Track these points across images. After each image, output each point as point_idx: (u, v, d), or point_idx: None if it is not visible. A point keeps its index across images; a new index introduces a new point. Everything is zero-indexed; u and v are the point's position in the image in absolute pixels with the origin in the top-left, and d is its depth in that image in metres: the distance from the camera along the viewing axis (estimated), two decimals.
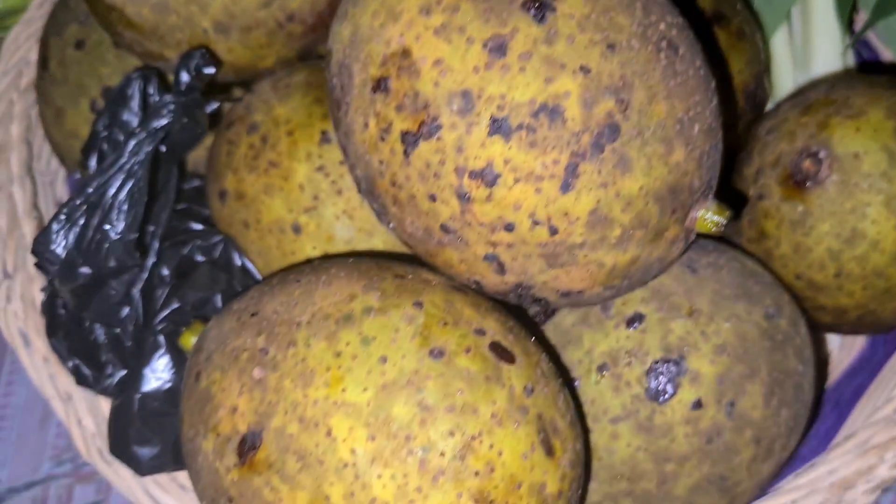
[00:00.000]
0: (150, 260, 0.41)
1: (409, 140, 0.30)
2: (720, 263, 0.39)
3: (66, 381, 0.43)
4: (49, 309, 0.43)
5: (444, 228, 0.32)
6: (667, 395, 0.36)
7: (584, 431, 0.36)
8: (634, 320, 0.37)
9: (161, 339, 0.39)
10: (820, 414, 0.51)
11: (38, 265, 0.39)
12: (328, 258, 0.38)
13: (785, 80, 0.53)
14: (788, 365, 0.38)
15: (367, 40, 0.31)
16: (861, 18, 0.55)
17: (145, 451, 0.40)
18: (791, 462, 0.44)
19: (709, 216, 0.32)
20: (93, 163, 0.42)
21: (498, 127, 0.29)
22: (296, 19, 0.43)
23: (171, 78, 0.44)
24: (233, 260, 0.43)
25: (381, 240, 0.41)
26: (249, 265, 0.43)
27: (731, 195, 0.42)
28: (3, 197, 0.50)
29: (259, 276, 0.43)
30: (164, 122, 0.38)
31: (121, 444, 0.40)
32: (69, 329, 0.42)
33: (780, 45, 0.53)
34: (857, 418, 0.48)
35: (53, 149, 0.53)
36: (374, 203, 0.34)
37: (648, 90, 0.30)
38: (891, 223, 0.39)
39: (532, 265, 0.32)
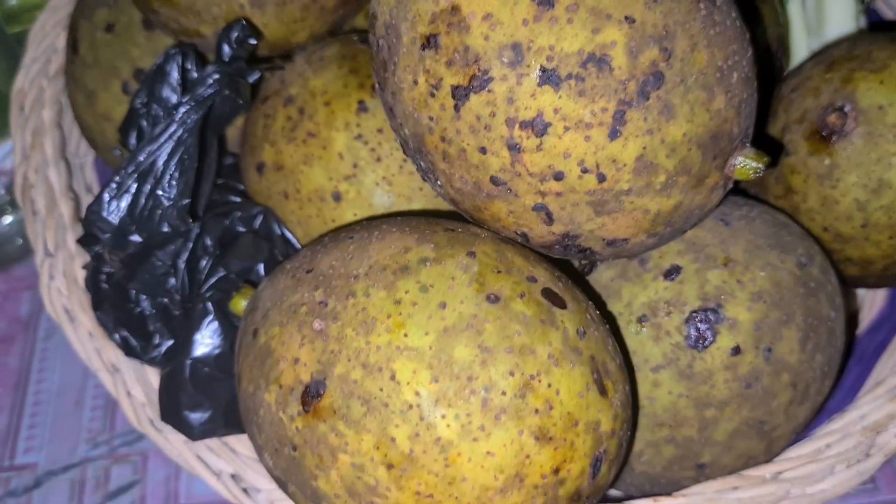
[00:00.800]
0: (195, 231, 0.42)
1: (460, 94, 0.31)
2: (752, 216, 0.40)
3: (113, 354, 0.44)
4: (93, 283, 0.44)
5: (494, 181, 0.33)
6: (706, 343, 0.38)
7: (631, 375, 0.37)
8: (672, 272, 0.38)
9: (209, 305, 0.40)
10: (847, 369, 0.52)
11: (86, 238, 0.40)
12: (379, 217, 0.39)
13: (799, 46, 0.54)
14: (822, 311, 0.39)
15: (414, 0, 0.32)
16: None
17: (197, 416, 0.41)
18: (819, 416, 0.45)
19: (747, 163, 0.33)
20: (132, 139, 0.43)
21: (548, 77, 0.30)
22: None
23: (207, 56, 0.45)
24: (273, 230, 0.44)
25: (421, 204, 0.42)
26: (289, 235, 0.44)
27: (766, 143, 0.43)
28: (40, 179, 0.51)
29: (299, 245, 0.44)
30: (210, 91, 0.39)
31: (172, 410, 0.41)
32: (114, 301, 0.43)
33: (793, 11, 0.54)
34: (882, 370, 0.49)
35: (84, 132, 0.54)
36: (421, 161, 0.35)
37: (690, 39, 0.31)
38: None
39: (580, 214, 0.33)
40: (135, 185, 0.37)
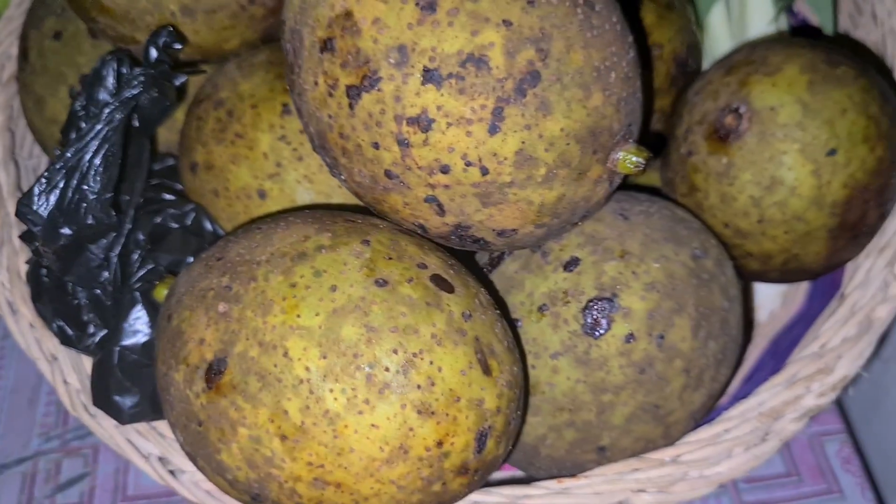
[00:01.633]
0: (127, 226, 0.44)
1: (354, 93, 0.34)
2: (651, 211, 0.42)
3: (52, 344, 0.47)
4: (33, 276, 0.46)
5: (388, 174, 0.35)
6: (601, 330, 0.40)
7: (523, 359, 0.39)
8: (571, 264, 0.41)
9: (137, 295, 0.43)
10: (761, 363, 0.55)
11: (28, 234, 0.42)
12: (289, 210, 0.42)
13: (724, 50, 0.57)
14: (714, 301, 0.41)
15: (314, 6, 0.35)
16: None
17: (126, 401, 0.43)
18: (726, 404, 0.47)
19: (629, 157, 0.36)
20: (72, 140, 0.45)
21: (430, 76, 0.33)
22: (257, 2, 0.47)
23: (142, 61, 0.47)
24: (204, 226, 0.46)
25: (340, 201, 0.45)
26: (220, 230, 0.46)
27: (650, 139, 0.45)
28: None
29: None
30: (134, 91, 0.41)
31: (103, 395, 0.43)
32: (53, 294, 0.45)
33: (717, 17, 0.57)
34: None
35: (35, 136, 0.56)
36: (326, 157, 0.37)
37: (566, 40, 0.33)
38: (806, 169, 0.42)
39: (468, 205, 0.35)
40: (63, 181, 0.39)
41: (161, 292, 0.40)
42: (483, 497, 0.42)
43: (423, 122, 0.33)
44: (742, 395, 0.49)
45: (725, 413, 0.44)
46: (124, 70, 0.45)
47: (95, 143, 0.40)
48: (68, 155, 0.39)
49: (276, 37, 0.50)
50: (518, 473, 0.48)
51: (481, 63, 0.33)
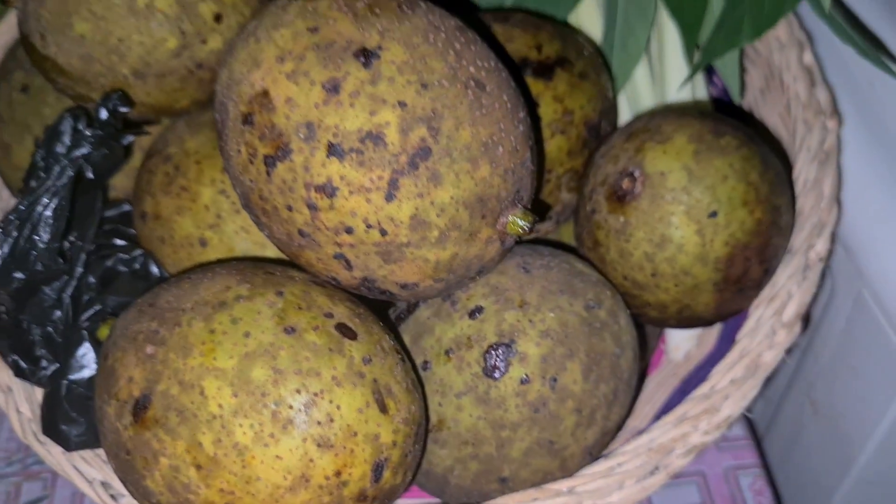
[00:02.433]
0: (79, 269, 0.48)
1: (270, 162, 0.38)
2: (551, 265, 0.47)
3: (6, 375, 0.51)
4: None
5: (301, 233, 0.39)
6: (500, 373, 0.44)
7: (423, 399, 0.43)
8: (475, 312, 0.45)
9: (84, 334, 0.47)
10: (671, 401, 0.59)
11: None
12: (220, 261, 0.46)
13: (647, 107, 0.62)
14: (605, 347, 0.46)
15: (237, 83, 0.39)
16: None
17: (72, 430, 0.47)
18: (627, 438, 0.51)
19: (516, 220, 0.40)
20: None
21: (334, 150, 0.37)
22: (204, 67, 0.51)
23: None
24: (151, 270, 0.50)
25: (273, 251, 0.49)
26: (166, 275, 0.50)
27: (537, 204, 0.50)
28: None
29: None
30: (84, 150, 0.46)
31: (51, 424, 0.47)
32: (9, 330, 0.49)
33: (641, 76, 0.61)
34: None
35: (3, 180, 0.60)
36: (251, 214, 0.42)
37: (456, 119, 0.38)
38: (691, 229, 0.47)
39: (372, 261, 0.39)
40: (16, 231, 0.44)
41: (104, 332, 0.44)
42: None
43: (328, 190, 0.38)
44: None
45: (619, 448, 0.48)
46: (80, 126, 0.50)
47: (46, 197, 0.44)
48: (21, 208, 0.44)
49: None
50: (434, 501, 0.52)
51: (378, 139, 0.37)
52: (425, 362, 0.45)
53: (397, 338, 0.42)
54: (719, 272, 0.48)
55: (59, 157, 0.48)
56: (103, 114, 0.47)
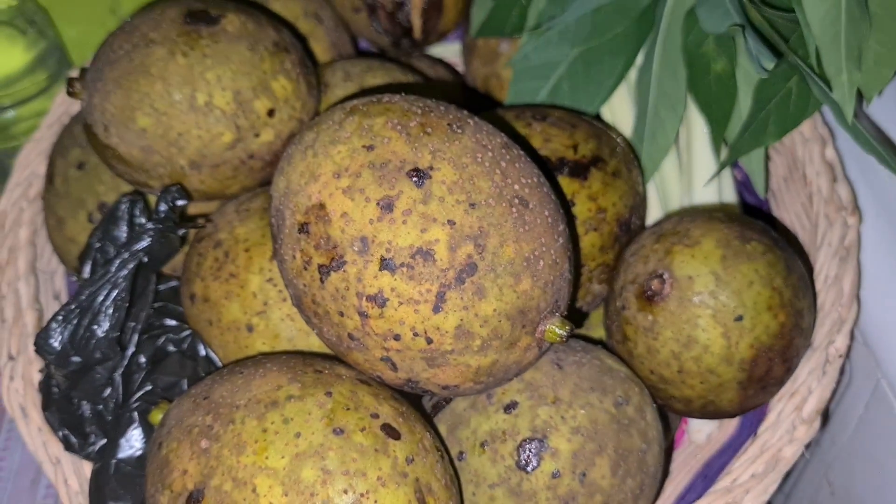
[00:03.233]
0: (130, 350, 0.51)
1: (324, 271, 0.41)
2: (583, 361, 0.49)
3: (56, 448, 0.53)
4: (45, 388, 0.53)
5: (351, 337, 0.42)
6: (532, 467, 0.46)
7: (459, 493, 0.45)
8: (510, 406, 0.47)
9: (135, 415, 0.49)
10: (693, 485, 0.61)
11: (38, 353, 0.49)
12: (269, 354, 0.48)
13: (673, 203, 0.64)
14: (633, 443, 0.48)
15: (295, 193, 0.42)
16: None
17: None
18: None
19: (554, 329, 0.43)
20: (86, 269, 0.52)
21: (386, 264, 0.40)
22: (255, 157, 0.54)
23: (153, 201, 0.55)
24: (198, 351, 0.53)
25: (318, 339, 0.51)
26: (213, 355, 0.53)
27: (573, 312, 0.52)
28: (11, 291, 0.60)
29: (220, 364, 0.53)
30: (144, 243, 0.48)
31: (99, 500, 0.49)
32: (60, 405, 0.52)
33: (669, 167, 0.64)
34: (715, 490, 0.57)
35: (54, 250, 0.63)
36: (302, 314, 0.44)
37: (501, 236, 0.40)
38: (717, 331, 0.49)
39: (416, 365, 0.42)
40: (76, 319, 0.46)
41: (156, 417, 0.46)
42: None
43: (379, 300, 0.40)
44: None
45: None
46: (136, 212, 0.52)
47: (107, 288, 0.47)
48: (82, 297, 0.46)
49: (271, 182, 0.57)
50: None
51: (428, 255, 0.40)
52: (461, 453, 0.47)
53: (436, 431, 0.44)
54: (744, 372, 0.50)
55: (117, 242, 0.50)
56: (162, 207, 0.49)
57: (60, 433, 0.51)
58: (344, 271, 0.40)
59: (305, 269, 0.41)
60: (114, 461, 0.49)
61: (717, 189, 0.63)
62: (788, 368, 0.52)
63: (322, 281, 0.41)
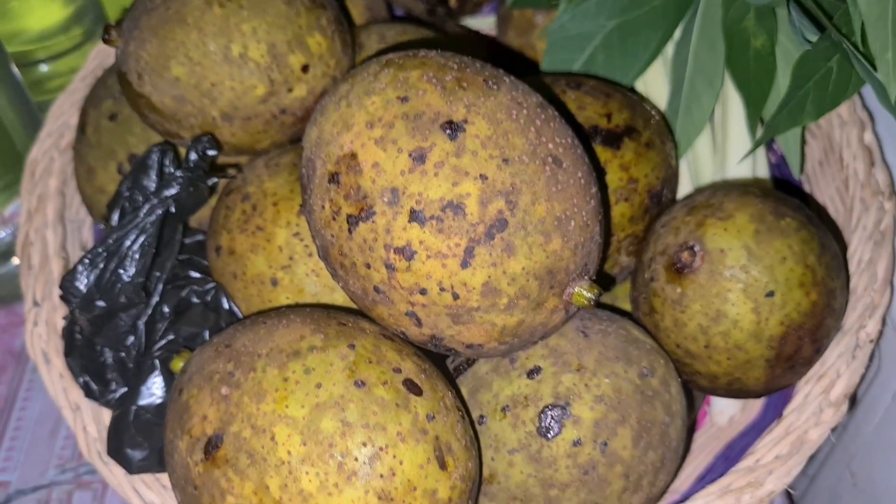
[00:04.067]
0: (155, 299, 0.51)
1: (352, 221, 0.40)
2: (609, 331, 0.48)
3: (77, 395, 0.53)
4: (68, 334, 0.53)
5: (376, 290, 0.41)
6: (553, 433, 0.46)
7: (479, 456, 0.45)
8: (534, 372, 0.47)
9: (157, 362, 0.49)
10: (714, 466, 0.60)
11: (63, 297, 0.49)
12: (293, 306, 0.48)
13: (705, 181, 0.63)
14: (656, 416, 0.47)
15: (327, 143, 0.42)
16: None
17: (136, 454, 0.49)
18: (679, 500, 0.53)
19: (582, 292, 0.42)
20: (115, 217, 0.52)
21: (415, 216, 0.39)
22: (287, 112, 0.54)
23: (183, 153, 0.54)
24: (221, 304, 0.52)
25: (342, 295, 0.51)
26: (235, 308, 0.53)
27: (601, 277, 0.51)
28: (38, 238, 0.60)
29: (242, 317, 0.52)
30: (173, 191, 0.48)
31: (116, 446, 0.49)
32: (83, 351, 0.52)
33: (703, 145, 0.63)
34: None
35: (83, 200, 0.63)
36: (328, 267, 0.44)
37: (533, 194, 0.40)
38: (747, 307, 0.48)
39: (441, 322, 0.41)
40: (103, 263, 0.46)
41: (177, 364, 0.46)
42: None
43: (407, 253, 0.40)
44: (692, 493, 0.54)
45: None
46: (167, 162, 0.52)
47: (134, 233, 0.46)
48: (110, 241, 0.46)
49: (301, 139, 0.57)
50: None
51: (458, 209, 0.39)
52: (481, 416, 0.47)
53: (457, 392, 0.44)
54: (772, 350, 0.49)
55: (146, 191, 0.50)
56: (193, 156, 0.49)
57: (81, 379, 0.52)
58: (373, 222, 0.40)
59: (334, 219, 0.41)
60: (133, 408, 0.49)
61: (751, 168, 0.62)
62: (818, 349, 0.51)
63: (350, 232, 0.41)
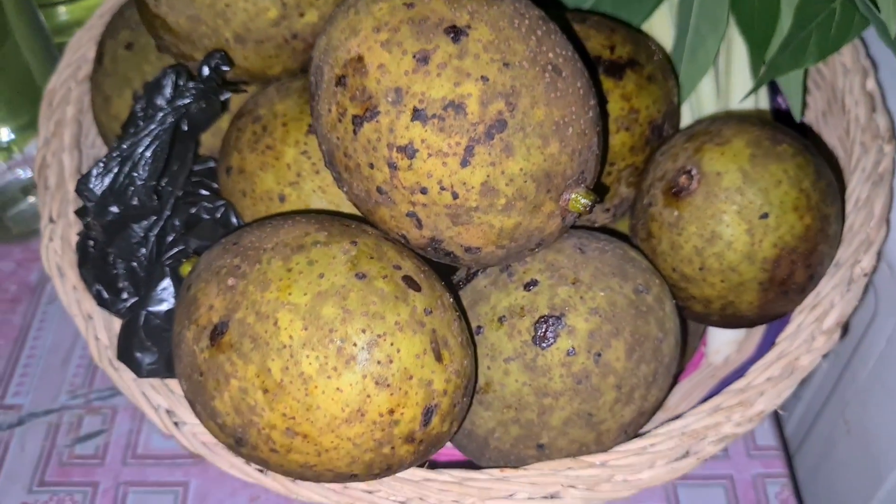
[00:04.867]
0: (166, 212, 0.52)
1: (357, 122, 0.42)
2: (606, 249, 0.50)
3: (89, 305, 0.55)
4: (81, 246, 0.55)
5: (379, 190, 0.43)
6: (547, 343, 0.47)
7: (475, 358, 0.46)
8: (531, 285, 0.48)
9: (167, 270, 0.51)
10: (708, 397, 0.61)
11: (82, 209, 0.50)
12: (299, 211, 0.49)
13: (709, 113, 0.64)
14: (650, 331, 0.48)
15: (335, 49, 0.43)
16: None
17: (145, 358, 0.51)
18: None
19: (578, 198, 0.43)
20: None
21: (418, 115, 0.41)
22: (299, 37, 0.55)
23: (196, 75, 0.56)
24: (231, 220, 0.54)
25: (346, 211, 0.52)
26: (244, 224, 0.54)
27: (598, 187, 0.53)
28: (55, 161, 0.62)
29: None
30: (186, 101, 0.50)
31: (126, 350, 0.51)
32: (96, 262, 0.53)
33: (706, 88, 0.64)
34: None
35: (99, 129, 0.65)
36: (333, 171, 0.45)
37: (532, 98, 0.41)
38: (742, 228, 0.49)
39: (441, 222, 0.43)
40: (117, 167, 0.48)
41: (186, 269, 0.48)
42: (435, 475, 0.49)
43: (409, 151, 0.41)
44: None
45: (653, 430, 0.51)
46: (181, 82, 0.54)
47: (148, 140, 0.48)
48: (124, 146, 0.48)
49: None
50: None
51: (459, 109, 0.40)
52: (479, 327, 0.48)
53: (456, 300, 0.45)
54: (765, 272, 0.50)
55: (160, 107, 0.52)
56: (205, 70, 0.50)
57: (94, 288, 0.53)
58: (377, 122, 0.41)
59: (340, 121, 0.42)
60: (143, 313, 0.50)
61: (755, 109, 0.63)
62: (811, 276, 0.52)
63: (355, 133, 0.42)
